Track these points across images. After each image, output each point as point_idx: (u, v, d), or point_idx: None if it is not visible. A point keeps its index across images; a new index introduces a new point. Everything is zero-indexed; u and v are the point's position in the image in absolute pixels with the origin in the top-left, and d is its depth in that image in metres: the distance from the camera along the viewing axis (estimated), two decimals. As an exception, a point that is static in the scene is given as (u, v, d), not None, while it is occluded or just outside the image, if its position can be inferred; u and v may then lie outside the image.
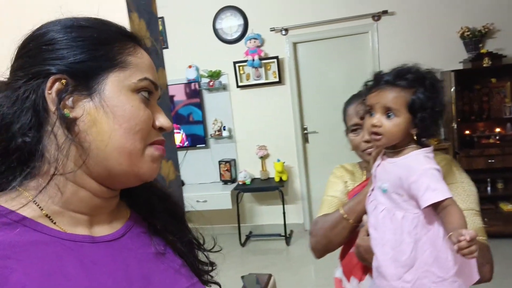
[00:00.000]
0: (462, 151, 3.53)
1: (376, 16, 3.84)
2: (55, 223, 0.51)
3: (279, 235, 4.08)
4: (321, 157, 4.19)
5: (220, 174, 4.26)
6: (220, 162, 4.26)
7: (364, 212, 1.06)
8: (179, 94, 4.24)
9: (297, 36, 4.06)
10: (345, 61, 4.05)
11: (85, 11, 0.57)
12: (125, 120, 0.53)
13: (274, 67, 4.07)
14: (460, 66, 3.63)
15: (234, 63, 4.12)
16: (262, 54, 4.06)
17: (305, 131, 4.22)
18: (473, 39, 3.58)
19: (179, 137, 4.31)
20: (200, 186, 4.32)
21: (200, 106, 4.25)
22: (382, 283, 0.96)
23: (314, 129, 4.21)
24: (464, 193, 1.08)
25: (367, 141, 1.13)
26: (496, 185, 3.58)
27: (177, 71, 4.10)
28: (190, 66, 4.21)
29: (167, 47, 4.23)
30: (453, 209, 0.85)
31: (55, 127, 0.50)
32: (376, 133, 0.94)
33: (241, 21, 4.12)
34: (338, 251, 1.25)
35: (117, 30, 0.57)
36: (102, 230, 0.57)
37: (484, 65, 3.43)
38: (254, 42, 4.03)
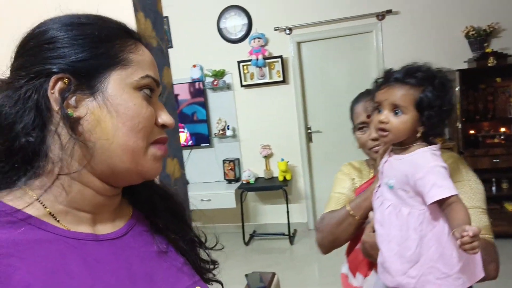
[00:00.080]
0: (467, 151, 3.52)
1: (380, 16, 3.83)
2: (58, 221, 0.51)
3: (283, 234, 4.08)
4: (325, 157, 4.19)
5: (224, 173, 4.28)
6: (224, 161, 4.27)
7: (371, 208, 1.07)
8: (183, 93, 4.25)
9: (301, 35, 4.06)
10: (349, 60, 4.04)
11: (92, 11, 0.56)
12: (128, 119, 0.52)
13: (278, 66, 4.07)
14: (465, 66, 3.61)
15: (238, 62, 4.12)
16: (266, 54, 4.06)
17: (309, 131, 4.22)
18: (478, 39, 3.57)
19: (183, 136, 4.33)
20: (204, 185, 4.33)
21: (204, 105, 4.27)
22: (387, 279, 0.97)
23: (318, 129, 4.21)
24: (471, 191, 1.08)
25: (374, 139, 1.14)
26: (501, 185, 3.56)
27: (181, 70, 4.11)
28: (194, 66, 4.23)
29: (171, 47, 4.25)
30: (458, 206, 0.86)
31: (59, 127, 0.50)
32: (383, 129, 0.96)
33: (245, 20, 4.13)
34: (344, 247, 1.26)
35: (117, 26, 0.56)
36: (105, 228, 0.57)
37: (489, 65, 3.42)
38: (258, 41, 4.04)
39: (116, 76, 0.53)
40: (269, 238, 4.21)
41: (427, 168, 0.90)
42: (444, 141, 3.63)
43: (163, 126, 0.58)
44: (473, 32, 3.56)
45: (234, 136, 4.29)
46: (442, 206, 0.88)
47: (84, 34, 0.52)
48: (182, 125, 4.29)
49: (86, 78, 0.51)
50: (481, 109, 3.66)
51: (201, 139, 4.32)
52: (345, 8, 3.87)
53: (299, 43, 4.09)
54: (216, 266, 0.72)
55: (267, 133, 4.22)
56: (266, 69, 4.09)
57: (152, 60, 0.59)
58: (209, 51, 4.21)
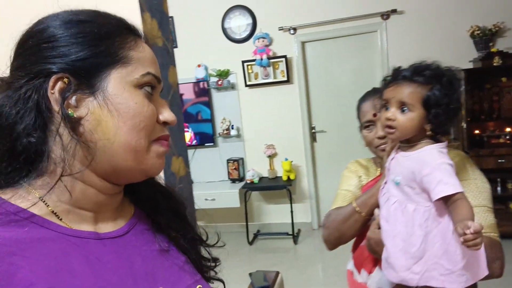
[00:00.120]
0: (472, 150, 3.50)
1: (385, 15, 3.82)
2: (61, 219, 0.51)
3: (287, 233, 4.09)
4: (329, 156, 4.19)
5: (228, 172, 4.29)
6: (228, 161, 4.28)
7: (377, 205, 1.08)
8: (187, 93, 4.26)
9: (306, 35, 4.06)
10: (353, 60, 4.04)
11: (91, 7, 0.55)
12: (129, 117, 0.52)
13: (282, 66, 4.07)
14: (470, 65, 3.60)
15: (243, 62, 4.13)
16: (271, 53, 4.07)
17: (313, 130, 4.22)
18: (484, 38, 3.55)
19: (187, 136, 4.34)
20: (209, 184, 4.35)
21: (209, 104, 4.28)
22: (391, 274, 0.97)
23: (322, 128, 4.21)
24: (477, 190, 1.08)
25: (380, 137, 1.15)
26: (506, 185, 3.54)
27: (186, 70, 4.12)
28: (199, 65, 4.24)
29: (176, 47, 4.26)
30: (463, 203, 0.86)
31: (60, 127, 0.49)
32: (390, 127, 0.97)
33: (249, 20, 4.13)
34: (350, 245, 1.27)
35: (117, 23, 0.55)
36: (107, 227, 0.56)
37: (495, 64, 3.40)
38: (263, 41, 4.04)
39: (117, 75, 0.52)
40: (273, 238, 4.21)
41: (434, 165, 0.91)
42: (449, 140, 3.62)
43: (165, 123, 0.57)
44: (479, 32, 3.55)
45: (238, 135, 4.30)
46: (447, 203, 0.89)
47: (84, 32, 0.51)
48: (187, 124, 4.30)
49: (86, 77, 0.50)
50: (486, 109, 3.65)
51: (206, 139, 4.33)
52: (350, 7, 3.87)
53: (303, 43, 4.10)
54: (217, 263, 0.72)
55: (271, 133, 4.23)
56: (270, 69, 4.10)
57: (153, 56, 0.58)
58: (214, 51, 4.22)
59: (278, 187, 4.04)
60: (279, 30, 4.06)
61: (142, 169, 0.55)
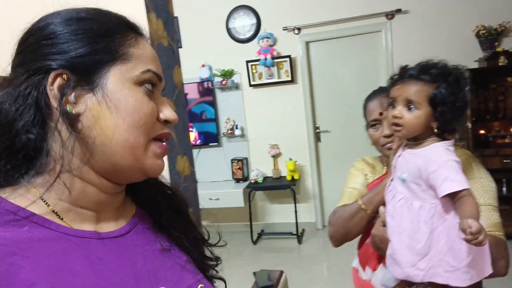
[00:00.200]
0: (477, 150, 3.48)
1: (390, 15, 3.81)
2: (62, 219, 0.51)
3: (291, 233, 4.09)
4: (333, 156, 4.18)
5: (233, 172, 4.29)
6: (232, 161, 4.29)
7: (382, 203, 1.09)
8: (192, 93, 4.28)
9: (310, 35, 4.06)
10: (358, 60, 4.03)
11: (92, 5, 0.55)
12: (128, 114, 0.51)
13: (286, 66, 4.08)
14: (475, 65, 3.58)
15: (247, 62, 4.14)
16: (275, 53, 4.07)
17: (317, 130, 4.22)
18: (489, 38, 3.53)
19: (192, 136, 4.36)
20: (213, 184, 4.36)
21: (213, 104, 4.29)
22: (396, 270, 0.98)
23: (326, 128, 4.21)
24: (482, 189, 1.09)
25: (386, 136, 1.17)
26: (512, 185, 3.53)
27: (190, 70, 4.13)
28: (203, 65, 4.25)
29: (180, 47, 4.25)
30: (468, 199, 0.87)
31: (58, 124, 0.49)
32: (397, 124, 0.98)
33: (253, 20, 4.14)
34: (355, 243, 1.27)
35: (117, 20, 0.55)
36: (108, 226, 0.56)
37: (500, 64, 3.38)
38: (267, 41, 4.04)
39: (116, 71, 0.52)
40: (277, 238, 4.21)
41: (440, 162, 0.91)
42: (455, 140, 3.60)
43: (166, 122, 0.57)
44: (484, 31, 3.53)
45: (242, 135, 4.30)
46: (453, 199, 0.90)
47: (84, 29, 0.51)
48: (191, 124, 4.31)
49: (85, 74, 0.50)
50: (491, 109, 3.63)
51: (210, 138, 4.34)
52: (354, 7, 3.86)
53: (307, 43, 4.09)
54: (219, 262, 0.72)
55: (275, 133, 4.23)
56: (274, 69, 4.10)
57: (154, 54, 0.57)
58: (218, 51, 4.23)
59: (282, 187, 4.04)
60: (284, 30, 4.06)
61: (140, 168, 0.55)
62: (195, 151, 4.37)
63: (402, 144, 1.05)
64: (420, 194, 0.95)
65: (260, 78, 4.17)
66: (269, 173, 4.29)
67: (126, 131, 0.51)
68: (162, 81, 0.58)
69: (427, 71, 0.95)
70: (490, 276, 0.94)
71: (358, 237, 1.25)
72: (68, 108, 0.49)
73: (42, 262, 0.45)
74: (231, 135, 4.30)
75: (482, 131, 3.63)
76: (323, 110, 4.19)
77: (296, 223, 4.04)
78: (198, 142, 4.36)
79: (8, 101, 0.48)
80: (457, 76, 0.95)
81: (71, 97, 0.50)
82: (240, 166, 4.25)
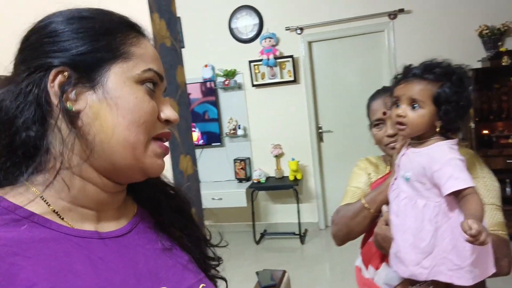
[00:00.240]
0: (480, 151, 3.47)
1: (392, 15, 3.81)
2: (63, 218, 0.51)
3: (294, 233, 4.09)
4: (336, 156, 4.18)
5: (235, 172, 4.30)
6: (235, 161, 4.29)
7: (385, 202, 1.09)
8: (194, 93, 4.29)
9: (312, 35, 4.06)
10: (360, 60, 4.03)
11: (93, 5, 0.55)
12: (128, 112, 0.51)
13: (289, 66, 4.08)
14: (478, 65, 3.57)
15: (249, 62, 4.14)
16: (277, 53, 4.07)
17: (320, 130, 4.22)
18: (492, 38, 3.52)
19: (194, 135, 4.36)
20: (215, 184, 4.36)
21: (216, 104, 4.30)
22: (400, 268, 0.98)
23: (328, 128, 4.21)
24: (485, 188, 1.09)
25: (389, 136, 1.17)
26: (515, 185, 3.51)
27: (193, 70, 4.14)
28: (206, 66, 4.26)
29: (183, 47, 4.29)
30: (473, 197, 0.87)
31: (58, 121, 0.49)
32: (401, 123, 0.98)
33: (256, 20, 4.14)
34: (358, 243, 1.28)
35: (119, 20, 0.55)
36: (109, 226, 0.56)
37: (503, 64, 3.37)
38: (269, 41, 4.05)
39: (117, 69, 0.52)
40: (279, 238, 4.21)
41: (444, 161, 0.91)
42: (458, 140, 3.59)
43: (167, 121, 0.57)
44: (487, 31, 3.52)
45: (245, 135, 4.31)
46: (458, 197, 0.90)
47: (85, 27, 0.51)
48: (194, 124, 4.32)
49: (86, 71, 0.50)
50: (495, 109, 3.61)
51: (213, 138, 4.35)
52: (357, 7, 3.86)
53: (310, 43, 4.09)
54: (220, 262, 0.71)
55: (278, 133, 4.23)
56: (277, 69, 4.10)
57: (155, 54, 0.57)
58: (221, 51, 4.24)
59: (285, 187, 4.04)
60: (286, 30, 4.07)
61: (140, 168, 0.54)
62: (197, 151, 4.36)
63: (406, 143, 1.05)
64: (424, 192, 0.96)
65: (262, 78, 4.18)
66: (272, 173, 4.29)
67: (126, 129, 0.51)
68: (164, 81, 0.58)
69: (431, 70, 0.95)
70: (493, 275, 0.94)
71: (361, 237, 1.26)
72: (68, 105, 0.49)
73: (43, 262, 0.45)
74: (233, 135, 4.30)
75: (485, 131, 3.61)
76: (325, 110, 4.19)
77: (299, 223, 4.04)
78: (201, 142, 4.36)
79: (9, 98, 0.49)
80: (460, 75, 0.96)
81: (72, 95, 0.50)
82: (243, 166, 4.25)
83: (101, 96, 0.51)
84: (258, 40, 4.13)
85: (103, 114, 0.50)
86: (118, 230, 0.56)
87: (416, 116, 0.96)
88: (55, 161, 0.49)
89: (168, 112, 0.57)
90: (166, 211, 0.64)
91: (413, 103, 0.96)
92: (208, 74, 4.26)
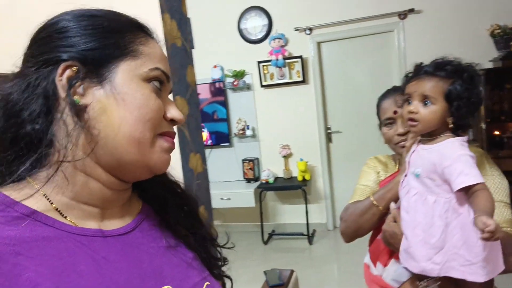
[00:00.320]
0: (491, 152, 3.43)
1: (402, 15, 3.79)
2: (66, 217, 0.50)
3: (302, 234, 4.08)
4: (345, 157, 4.17)
5: (244, 172, 4.31)
6: (243, 161, 4.30)
7: (394, 199, 1.10)
8: (204, 93, 4.31)
9: (321, 35, 4.05)
10: (370, 60, 4.01)
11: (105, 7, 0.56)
12: (135, 108, 0.52)
13: (298, 66, 4.08)
14: (490, 65, 3.53)
15: (258, 62, 4.15)
16: (286, 54, 4.07)
17: (329, 131, 4.21)
18: (504, 37, 3.48)
19: (203, 136, 4.38)
20: (224, 184, 4.38)
21: (225, 104, 4.31)
22: (411, 264, 0.98)
23: (337, 129, 4.19)
24: (494, 186, 1.09)
25: (400, 135, 1.18)
26: (527, 187, 3.46)
27: (202, 71, 4.16)
28: (215, 66, 4.28)
29: (193, 47, 4.30)
30: (483, 193, 0.87)
31: (64, 114, 0.49)
32: (413, 120, 0.99)
33: (265, 21, 4.15)
34: (365, 242, 1.28)
35: (128, 21, 0.56)
36: (114, 224, 0.56)
37: (516, 64, 3.33)
38: (278, 41, 4.05)
39: (125, 67, 0.52)
40: (287, 238, 4.21)
41: (455, 157, 0.92)
42: (468, 141, 3.55)
43: (172, 121, 0.58)
44: (499, 31, 3.48)
45: (253, 136, 4.32)
46: (468, 193, 0.90)
47: (94, 24, 0.52)
48: (203, 124, 4.34)
49: (95, 67, 0.51)
50: (506, 109, 3.57)
51: (221, 138, 4.37)
52: (366, 7, 3.84)
53: (319, 43, 4.09)
54: (226, 262, 0.72)
55: (286, 133, 4.23)
56: (286, 69, 4.11)
57: (163, 54, 0.58)
58: (230, 51, 4.25)
59: (293, 187, 4.04)
60: (295, 30, 4.07)
61: (146, 164, 0.54)
62: (206, 151, 4.39)
63: (416, 140, 1.06)
64: (434, 189, 0.96)
65: (271, 79, 4.18)
66: (280, 174, 4.29)
67: (133, 125, 0.52)
68: (170, 82, 0.59)
69: (442, 68, 0.96)
70: (502, 272, 0.94)
71: (369, 235, 1.26)
72: (75, 99, 0.49)
73: (46, 262, 0.45)
74: (242, 135, 4.31)
75: (496, 132, 3.57)
76: (334, 110, 4.18)
77: (307, 223, 4.04)
78: (210, 142, 4.39)
79: (16, 92, 0.49)
80: (471, 73, 0.97)
81: (80, 89, 0.50)
82: (251, 166, 4.26)
83: (109, 92, 0.51)
84: (267, 40, 4.14)
85: (110, 109, 0.51)
86: (122, 228, 0.56)
87: (428, 112, 0.97)
88: (59, 155, 0.49)
89: (174, 111, 0.57)
90: (172, 209, 0.65)
91: (425, 99, 0.97)
92: (217, 75, 4.28)
